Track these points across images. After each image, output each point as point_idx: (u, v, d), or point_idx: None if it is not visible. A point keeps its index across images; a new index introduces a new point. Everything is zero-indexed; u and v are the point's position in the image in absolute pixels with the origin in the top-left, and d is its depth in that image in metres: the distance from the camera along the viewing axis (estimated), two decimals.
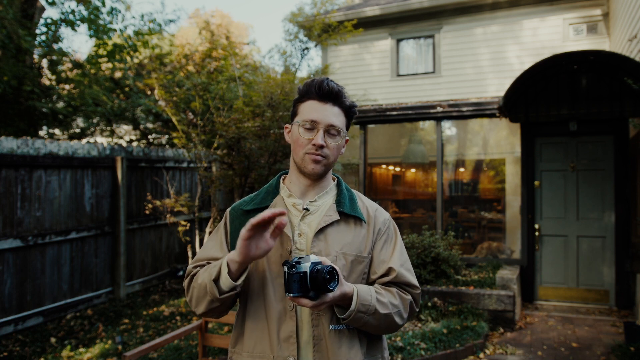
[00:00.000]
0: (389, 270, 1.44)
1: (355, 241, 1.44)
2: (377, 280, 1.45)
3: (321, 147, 1.39)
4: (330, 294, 1.23)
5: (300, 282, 1.18)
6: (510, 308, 5.11)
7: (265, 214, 1.18)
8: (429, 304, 5.20)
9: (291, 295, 1.19)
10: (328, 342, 1.35)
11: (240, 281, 1.29)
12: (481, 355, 4.40)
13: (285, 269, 1.20)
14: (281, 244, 1.40)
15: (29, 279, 5.06)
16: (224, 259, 1.30)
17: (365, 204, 1.53)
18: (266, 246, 1.24)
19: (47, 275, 5.28)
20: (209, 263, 1.44)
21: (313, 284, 1.19)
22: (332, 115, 1.41)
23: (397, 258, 1.47)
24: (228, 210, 1.54)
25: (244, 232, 1.20)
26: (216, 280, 1.30)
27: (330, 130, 1.41)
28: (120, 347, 4.56)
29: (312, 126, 1.40)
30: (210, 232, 6.19)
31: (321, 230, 1.41)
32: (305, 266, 1.20)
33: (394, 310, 1.38)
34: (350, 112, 1.48)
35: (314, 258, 1.22)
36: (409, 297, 1.45)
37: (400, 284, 1.45)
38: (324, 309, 1.33)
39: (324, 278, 1.18)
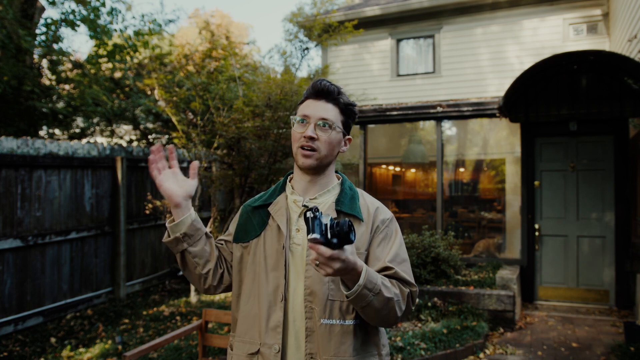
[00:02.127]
0: (387, 267, 1.43)
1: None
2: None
3: (311, 138, 1.43)
4: (349, 248, 1.18)
5: (323, 229, 1.14)
6: (510, 308, 5.11)
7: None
8: (429, 304, 5.19)
9: (314, 236, 1.13)
10: (318, 335, 1.38)
11: (173, 224, 1.45)
12: (481, 355, 4.39)
13: (310, 214, 1.15)
14: (278, 240, 1.46)
15: (29, 279, 5.06)
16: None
17: (367, 202, 1.53)
18: (189, 186, 1.47)
19: (47, 275, 5.28)
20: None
21: (333, 234, 1.15)
22: (324, 110, 1.46)
23: (393, 256, 1.46)
24: (242, 206, 1.65)
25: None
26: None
27: (320, 123, 1.44)
28: (120, 347, 4.56)
29: (304, 120, 1.46)
30: (210, 232, 6.19)
31: None
32: (326, 218, 1.16)
33: (396, 298, 1.37)
34: (347, 110, 1.50)
35: (328, 215, 1.18)
36: (407, 290, 1.44)
37: (398, 280, 1.45)
38: (317, 302, 1.37)
39: (346, 229, 1.14)
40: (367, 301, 1.29)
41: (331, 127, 1.45)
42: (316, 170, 1.48)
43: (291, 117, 1.51)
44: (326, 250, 1.14)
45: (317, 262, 1.17)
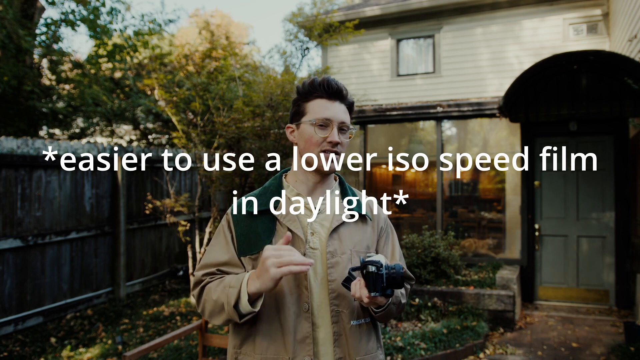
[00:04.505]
0: None
1: (364, 238, 1.49)
2: None
3: (337, 144, 1.42)
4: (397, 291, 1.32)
5: (386, 282, 1.26)
6: (510, 308, 5.11)
7: (303, 267, 1.21)
8: (429, 304, 5.19)
9: (378, 294, 1.24)
10: (349, 338, 1.39)
11: (257, 307, 1.30)
12: (481, 355, 4.39)
13: (374, 269, 1.25)
14: (293, 246, 1.40)
15: (29, 279, 5.06)
16: (243, 286, 1.29)
17: (366, 201, 1.58)
18: None
19: (47, 275, 5.28)
20: (218, 270, 1.43)
21: (390, 283, 1.26)
22: (342, 112, 1.46)
23: (398, 255, 1.55)
24: (228, 213, 1.50)
25: (277, 273, 1.20)
26: (236, 306, 1.30)
27: (342, 127, 1.45)
28: (120, 347, 4.56)
29: (326, 124, 1.42)
30: (210, 232, 6.18)
31: (335, 230, 1.44)
32: (380, 259, 1.28)
33: (404, 298, 1.50)
34: (352, 109, 1.53)
35: (381, 257, 1.29)
36: (409, 286, 1.56)
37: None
38: (345, 305, 1.40)
39: (402, 277, 1.26)
40: (391, 311, 1.41)
41: (348, 129, 1.47)
42: (332, 173, 1.51)
43: (306, 119, 1.43)
44: (382, 300, 1.28)
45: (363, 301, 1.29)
